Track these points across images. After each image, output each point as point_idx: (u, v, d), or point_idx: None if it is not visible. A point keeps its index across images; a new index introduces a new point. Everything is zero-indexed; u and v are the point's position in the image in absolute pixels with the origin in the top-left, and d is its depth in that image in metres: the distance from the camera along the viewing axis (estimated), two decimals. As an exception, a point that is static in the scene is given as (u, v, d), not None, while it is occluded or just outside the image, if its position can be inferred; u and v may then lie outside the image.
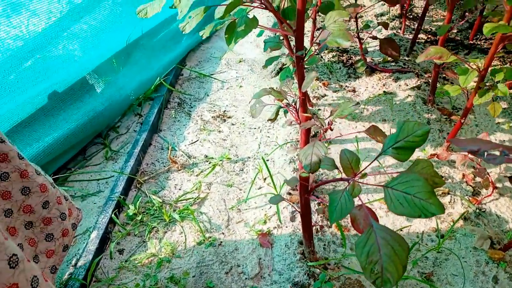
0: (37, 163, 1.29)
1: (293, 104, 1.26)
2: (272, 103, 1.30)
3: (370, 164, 0.80)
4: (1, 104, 1.21)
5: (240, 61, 2.14)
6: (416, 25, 2.31)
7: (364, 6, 2.46)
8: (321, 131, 1.09)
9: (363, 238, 0.70)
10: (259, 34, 1.68)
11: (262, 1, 1.19)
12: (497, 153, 0.72)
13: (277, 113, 1.26)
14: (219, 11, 1.38)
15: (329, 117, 1.11)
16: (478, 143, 0.78)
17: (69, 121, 1.42)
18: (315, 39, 1.46)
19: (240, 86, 1.96)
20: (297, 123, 1.32)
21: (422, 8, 2.46)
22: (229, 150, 1.57)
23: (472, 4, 1.43)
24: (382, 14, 2.46)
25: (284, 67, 1.87)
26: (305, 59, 1.28)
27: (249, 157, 1.53)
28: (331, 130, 1.55)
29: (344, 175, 0.82)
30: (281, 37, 1.48)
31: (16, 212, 0.85)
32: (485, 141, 0.78)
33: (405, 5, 2.27)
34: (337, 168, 0.85)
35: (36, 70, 1.34)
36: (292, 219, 1.24)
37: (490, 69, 1.23)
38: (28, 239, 0.88)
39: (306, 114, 1.13)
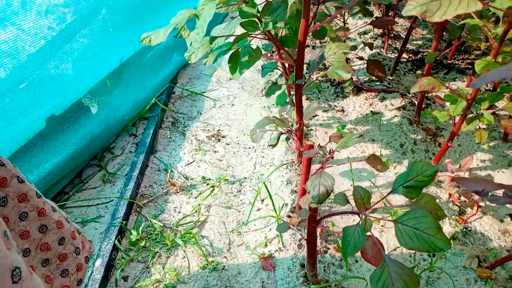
0: (39, 190, 1.28)
1: (294, 130, 1.31)
2: (271, 129, 1.34)
3: (380, 200, 0.86)
4: (2, 131, 1.20)
5: (230, 79, 2.17)
6: (399, 45, 2.42)
7: (348, 24, 2.55)
8: (324, 160, 1.14)
9: (377, 272, 0.75)
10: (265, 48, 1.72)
11: (265, 32, 1.23)
12: (500, 193, 0.79)
13: (278, 139, 1.31)
14: (215, 33, 1.41)
15: (328, 143, 1.16)
16: (482, 184, 0.85)
17: (67, 145, 1.42)
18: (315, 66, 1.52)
19: (232, 105, 1.99)
20: (299, 150, 1.38)
21: (405, 28, 2.58)
22: (226, 171, 1.60)
23: (456, 34, 1.53)
24: (365, 33, 2.56)
25: (275, 84, 1.92)
26: (304, 87, 1.33)
27: (246, 178, 1.57)
28: (332, 158, 1.61)
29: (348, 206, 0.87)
30: (278, 64, 1.53)
31: (34, 251, 0.85)
32: (488, 181, 0.85)
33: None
34: (349, 202, 0.90)
35: (35, 94, 1.33)
36: (300, 246, 1.28)
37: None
38: (45, 277, 0.88)
39: (309, 143, 1.18)
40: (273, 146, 1.32)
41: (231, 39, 1.24)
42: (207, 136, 1.77)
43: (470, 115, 1.33)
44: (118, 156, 1.64)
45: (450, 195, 1.48)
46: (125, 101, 1.73)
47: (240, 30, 1.32)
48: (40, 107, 1.35)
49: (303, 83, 1.30)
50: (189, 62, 1.17)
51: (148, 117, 1.81)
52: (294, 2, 1.29)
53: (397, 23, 2.13)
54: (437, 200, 1.46)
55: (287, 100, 1.56)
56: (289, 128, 1.26)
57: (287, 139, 1.42)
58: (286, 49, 1.36)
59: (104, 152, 1.66)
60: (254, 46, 1.23)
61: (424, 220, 0.78)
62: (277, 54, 1.56)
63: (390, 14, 2.32)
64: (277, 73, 2.15)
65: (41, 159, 1.31)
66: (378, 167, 1.12)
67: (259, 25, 1.24)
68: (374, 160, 1.14)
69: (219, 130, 1.82)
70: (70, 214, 1.40)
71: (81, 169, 1.55)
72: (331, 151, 1.18)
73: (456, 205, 1.45)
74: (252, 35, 1.22)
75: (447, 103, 1.40)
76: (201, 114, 1.92)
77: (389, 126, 1.79)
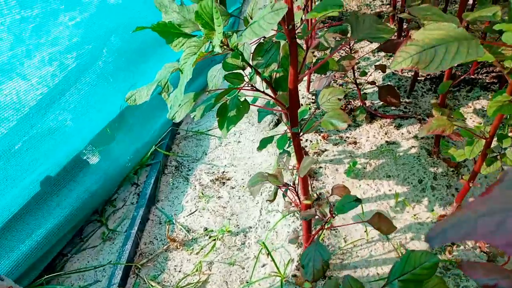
0: (31, 259, 1.24)
1: (292, 184, 1.21)
2: (268, 182, 1.24)
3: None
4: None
5: (237, 113, 2.09)
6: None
7: (356, 49, 2.41)
8: (323, 223, 1.03)
9: None
10: (254, 101, 1.64)
11: (252, 85, 1.14)
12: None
13: (275, 194, 1.21)
14: (212, 75, 1.34)
15: (331, 195, 1.05)
16: (496, 274, 0.72)
17: (63, 207, 1.38)
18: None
19: (239, 142, 1.91)
20: (297, 208, 1.27)
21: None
22: (230, 219, 1.51)
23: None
24: (378, 50, 2.41)
25: (277, 124, 1.82)
26: (301, 134, 1.23)
27: (251, 227, 1.48)
28: (333, 217, 1.48)
29: None
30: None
31: None
32: (501, 269, 0.72)
33: (402, 42, 2.22)
34: None
35: (28, 158, 1.31)
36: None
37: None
38: None
39: (306, 202, 1.07)
40: (271, 201, 1.22)
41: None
42: (211, 180, 1.70)
43: (491, 155, 1.18)
44: (119, 209, 1.60)
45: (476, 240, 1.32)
46: (126, 149, 1.69)
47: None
48: (33, 172, 1.32)
49: (299, 130, 1.20)
50: (173, 121, 1.10)
51: (151, 163, 1.76)
52: (286, 42, 1.19)
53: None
54: (462, 247, 1.31)
55: (286, 147, 1.46)
56: (284, 184, 1.16)
57: (283, 195, 1.32)
58: (280, 92, 1.27)
59: (106, 205, 1.62)
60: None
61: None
62: (274, 96, 1.46)
63: (403, 34, 2.18)
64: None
65: (34, 226, 1.28)
66: (383, 228, 1.00)
67: (246, 76, 1.15)
68: (379, 220, 1.01)
69: (224, 172, 1.74)
70: (67, 281, 1.36)
71: (81, 226, 1.52)
72: (331, 209, 1.06)
73: (484, 252, 1.29)
74: (241, 88, 1.13)
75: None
76: (206, 154, 1.85)
77: (406, 159, 1.65)
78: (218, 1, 1.32)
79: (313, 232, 1.16)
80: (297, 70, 1.06)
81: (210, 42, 1.10)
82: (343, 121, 1.08)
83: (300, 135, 1.20)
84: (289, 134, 1.51)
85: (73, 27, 1.60)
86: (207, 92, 1.15)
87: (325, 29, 1.54)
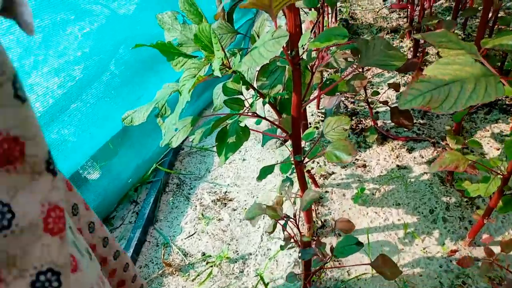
0: None
1: (293, 215, 1.14)
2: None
3: None
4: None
5: (243, 129, 2.04)
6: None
7: (370, 68, 2.34)
8: (322, 264, 0.96)
9: None
10: (258, 122, 1.58)
11: (254, 113, 1.08)
12: None
13: (274, 227, 1.15)
14: (217, 93, 1.29)
15: (334, 228, 0.98)
16: None
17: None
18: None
19: (243, 160, 1.85)
20: (296, 245, 1.20)
21: (436, 56, 2.31)
22: (229, 244, 1.45)
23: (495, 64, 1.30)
24: (393, 66, 2.33)
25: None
26: (304, 162, 1.16)
27: (251, 254, 1.41)
28: (334, 258, 1.40)
29: None
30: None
31: None
32: None
33: (419, 55, 2.14)
34: None
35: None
36: None
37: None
38: None
39: (305, 239, 1.01)
40: (270, 233, 1.15)
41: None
42: (212, 200, 1.64)
43: (508, 192, 1.09)
44: (117, 228, 1.56)
45: (489, 279, 1.24)
46: (127, 165, 1.65)
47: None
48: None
49: (303, 158, 1.14)
50: (170, 146, 1.05)
51: (151, 181, 1.72)
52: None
53: (423, 64, 1.91)
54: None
55: (288, 174, 1.40)
56: (284, 216, 1.09)
57: (283, 230, 1.25)
58: (284, 116, 1.21)
59: (104, 223, 1.58)
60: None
61: None
62: (278, 119, 1.41)
63: (418, 53, 2.09)
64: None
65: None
66: (387, 273, 0.93)
67: (246, 102, 1.10)
68: (383, 263, 0.94)
69: (226, 192, 1.68)
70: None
71: (77, 245, 1.48)
72: (331, 249, 0.99)
73: (499, 295, 1.20)
74: (242, 114, 1.08)
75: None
76: (209, 172, 1.80)
77: (418, 186, 1.57)
78: (226, 19, 1.27)
79: (313, 270, 1.10)
80: (301, 97, 1.00)
81: (210, 64, 1.04)
82: (348, 153, 1.01)
83: (304, 162, 1.14)
84: (293, 160, 1.44)
85: (82, 37, 1.57)
86: (204, 117, 1.10)
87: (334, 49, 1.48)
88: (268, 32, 0.76)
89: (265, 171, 1.21)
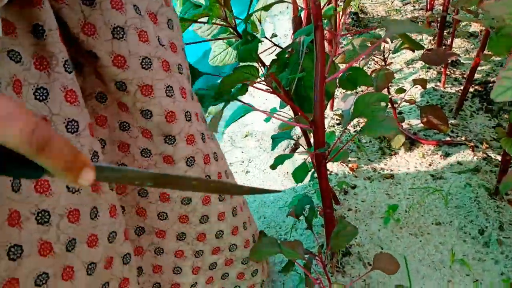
0: None
1: (318, 252, 0.86)
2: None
3: None
4: None
5: (246, 136, 1.77)
6: (460, 74, 1.90)
7: (390, 62, 2.07)
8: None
9: None
10: (267, 120, 1.32)
11: (268, 81, 0.81)
12: None
13: (290, 266, 0.87)
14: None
15: (369, 271, 0.71)
16: None
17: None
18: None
19: (247, 172, 1.58)
20: None
21: (464, 51, 2.05)
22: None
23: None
24: (413, 60, 2.06)
25: (294, 149, 1.49)
26: (328, 159, 0.89)
27: None
28: None
29: None
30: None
31: None
32: None
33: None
34: None
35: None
36: None
37: None
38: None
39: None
40: (285, 273, 0.88)
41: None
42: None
43: None
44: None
45: None
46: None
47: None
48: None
49: (327, 151, 0.86)
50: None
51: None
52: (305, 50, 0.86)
53: (458, 55, 1.64)
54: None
55: (307, 179, 1.13)
56: (306, 252, 0.81)
57: (305, 275, 0.96)
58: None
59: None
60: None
61: None
62: (293, 114, 1.14)
63: (442, 45, 1.83)
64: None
65: None
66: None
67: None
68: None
69: (228, 211, 1.41)
70: None
71: None
72: None
73: None
74: (251, 85, 0.80)
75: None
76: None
77: (460, 200, 1.29)
78: None
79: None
80: (325, 65, 0.73)
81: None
82: (392, 126, 0.75)
83: (327, 160, 0.87)
84: (308, 159, 1.17)
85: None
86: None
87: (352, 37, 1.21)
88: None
89: (281, 159, 0.95)
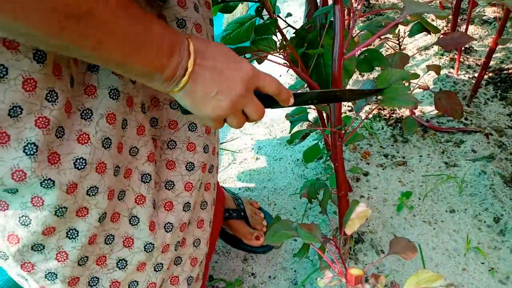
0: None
1: (332, 237, 0.84)
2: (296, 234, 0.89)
3: None
4: None
5: (256, 122, 1.75)
6: (474, 61, 1.86)
7: (405, 45, 2.03)
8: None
9: None
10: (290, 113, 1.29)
11: (286, 54, 0.79)
12: None
13: (305, 251, 0.85)
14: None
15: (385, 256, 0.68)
16: None
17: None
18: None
19: (257, 159, 1.56)
20: (340, 277, 0.90)
21: (478, 37, 2.00)
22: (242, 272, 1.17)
23: None
24: (426, 48, 2.02)
25: (311, 132, 1.47)
26: (344, 138, 0.88)
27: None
28: None
29: None
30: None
31: None
32: None
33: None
34: None
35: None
36: None
37: None
38: None
39: (356, 272, 0.71)
40: (301, 257, 0.86)
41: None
42: (222, 209, 1.35)
43: None
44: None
45: None
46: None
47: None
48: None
49: (343, 131, 0.85)
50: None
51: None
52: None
53: (474, 39, 1.60)
54: None
55: (322, 160, 1.11)
56: (322, 239, 0.80)
57: (320, 257, 0.95)
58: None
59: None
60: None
61: None
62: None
63: (457, 30, 1.78)
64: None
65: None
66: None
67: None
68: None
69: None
70: None
71: None
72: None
73: None
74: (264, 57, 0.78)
75: None
76: (217, 173, 1.51)
77: (475, 187, 1.27)
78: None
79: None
80: (344, 41, 0.71)
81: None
82: (410, 101, 0.73)
83: (343, 139, 0.85)
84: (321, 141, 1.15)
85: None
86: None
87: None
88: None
89: (298, 134, 0.93)
